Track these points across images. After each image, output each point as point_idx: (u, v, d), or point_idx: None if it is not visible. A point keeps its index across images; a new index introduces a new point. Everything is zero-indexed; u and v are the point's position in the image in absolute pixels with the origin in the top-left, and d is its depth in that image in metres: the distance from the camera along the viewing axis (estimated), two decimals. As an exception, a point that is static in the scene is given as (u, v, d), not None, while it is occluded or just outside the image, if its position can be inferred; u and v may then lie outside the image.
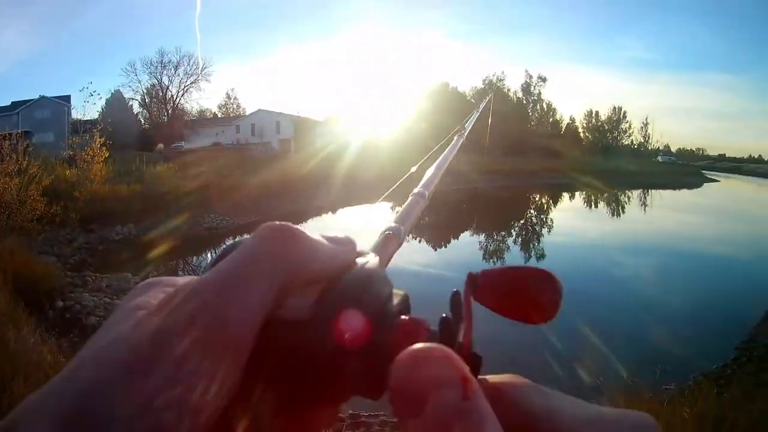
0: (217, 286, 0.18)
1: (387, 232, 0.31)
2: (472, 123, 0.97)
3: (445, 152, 0.58)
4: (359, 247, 0.24)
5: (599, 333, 4.87)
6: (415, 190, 0.43)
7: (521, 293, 0.22)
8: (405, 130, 32.40)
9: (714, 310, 6.46)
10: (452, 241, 11.69)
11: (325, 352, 0.18)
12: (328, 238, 0.22)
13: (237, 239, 0.22)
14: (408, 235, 0.34)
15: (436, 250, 10.48)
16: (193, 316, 0.17)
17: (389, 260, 0.30)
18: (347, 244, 0.23)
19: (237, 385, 0.17)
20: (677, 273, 9.06)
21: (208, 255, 8.96)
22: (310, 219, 12.53)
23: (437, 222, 12.28)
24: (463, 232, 12.81)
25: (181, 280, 0.20)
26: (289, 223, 0.20)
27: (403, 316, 0.21)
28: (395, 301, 0.22)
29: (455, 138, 0.76)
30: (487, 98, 1.42)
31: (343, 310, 0.19)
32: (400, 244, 0.32)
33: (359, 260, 0.22)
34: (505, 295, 0.22)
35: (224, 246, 0.21)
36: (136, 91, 37.51)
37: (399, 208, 0.38)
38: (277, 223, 0.20)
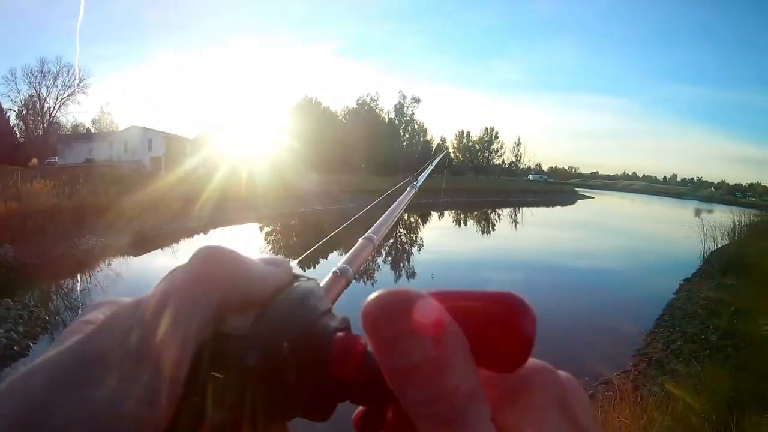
0: (154, 304, 0.19)
1: (335, 271, 0.31)
2: (425, 176, 0.93)
3: (395, 203, 0.56)
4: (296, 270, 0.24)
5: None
6: (365, 235, 0.44)
7: (481, 331, 0.16)
8: (278, 150, 33.04)
9: (602, 322, 6.45)
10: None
11: (265, 365, 0.18)
12: (264, 260, 0.23)
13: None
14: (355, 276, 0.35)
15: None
16: (129, 330, 0.18)
17: (337, 297, 0.30)
18: (282, 264, 0.23)
19: (178, 398, 0.18)
20: (561, 289, 8.72)
21: (86, 277, 8.84)
22: (182, 240, 12.15)
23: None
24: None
25: (127, 299, 0.21)
26: (224, 246, 0.21)
27: (339, 333, 0.20)
28: (334, 321, 0.22)
29: (408, 188, 0.76)
30: (443, 153, 1.44)
31: (281, 325, 0.20)
32: (348, 283, 0.32)
33: (296, 281, 0.22)
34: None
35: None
36: (14, 102, 33.52)
37: (347, 253, 0.39)
38: (213, 245, 0.21)
